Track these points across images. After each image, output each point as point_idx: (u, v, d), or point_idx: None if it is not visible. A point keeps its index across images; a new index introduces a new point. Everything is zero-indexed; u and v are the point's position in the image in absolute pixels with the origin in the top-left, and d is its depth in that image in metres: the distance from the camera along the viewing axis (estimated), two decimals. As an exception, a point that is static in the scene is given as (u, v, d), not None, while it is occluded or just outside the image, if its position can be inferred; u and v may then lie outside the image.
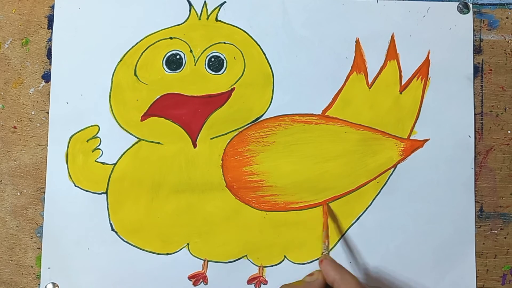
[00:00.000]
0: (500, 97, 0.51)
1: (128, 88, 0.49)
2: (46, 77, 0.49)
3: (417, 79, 0.50)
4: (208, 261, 0.48)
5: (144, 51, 0.50)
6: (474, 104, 0.50)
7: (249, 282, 0.48)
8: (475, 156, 0.50)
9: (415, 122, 0.50)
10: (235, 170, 0.49)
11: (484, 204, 0.50)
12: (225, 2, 0.50)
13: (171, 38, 0.50)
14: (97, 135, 0.49)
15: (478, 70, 0.51)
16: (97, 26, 0.50)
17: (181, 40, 0.50)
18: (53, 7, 0.50)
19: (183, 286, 0.48)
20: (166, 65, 0.49)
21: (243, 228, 0.49)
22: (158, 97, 0.49)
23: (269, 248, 0.49)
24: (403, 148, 0.50)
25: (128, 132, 0.49)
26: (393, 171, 0.49)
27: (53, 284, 0.48)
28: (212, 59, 0.50)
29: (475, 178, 0.50)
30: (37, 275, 0.48)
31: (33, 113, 0.49)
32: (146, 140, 0.49)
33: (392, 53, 0.50)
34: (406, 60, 0.50)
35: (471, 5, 0.51)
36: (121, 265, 0.48)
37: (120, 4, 0.50)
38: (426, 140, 0.50)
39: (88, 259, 0.48)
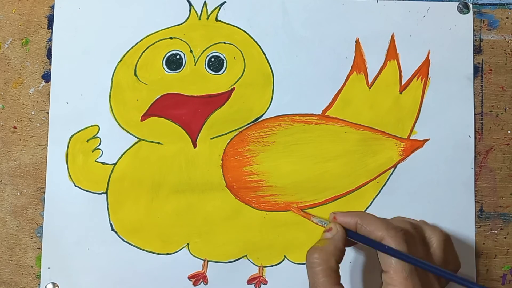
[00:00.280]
0: (500, 97, 0.51)
1: (128, 88, 0.49)
2: (46, 77, 0.49)
3: (417, 79, 0.50)
4: (208, 261, 0.48)
5: (144, 51, 0.50)
6: (474, 104, 0.50)
7: (249, 282, 0.48)
8: (475, 156, 0.50)
9: (415, 122, 0.50)
10: (235, 170, 0.49)
11: (484, 204, 0.50)
12: (225, 2, 0.50)
13: (171, 38, 0.50)
14: (97, 135, 0.49)
15: (478, 70, 0.51)
16: (97, 26, 0.50)
17: (181, 40, 0.50)
18: (53, 7, 0.50)
19: (183, 286, 0.48)
20: (166, 65, 0.49)
21: (243, 228, 0.49)
22: (158, 97, 0.49)
23: (269, 248, 0.49)
24: (403, 148, 0.50)
25: (128, 132, 0.49)
26: (393, 171, 0.50)
27: (53, 284, 0.48)
28: (212, 59, 0.50)
29: (475, 178, 0.50)
30: (37, 275, 0.48)
31: (33, 113, 0.49)
32: (146, 140, 0.49)
33: (392, 53, 0.50)
34: (406, 60, 0.50)
35: (471, 5, 0.51)
36: (121, 265, 0.48)
37: (120, 4, 0.50)
38: (426, 140, 0.50)
39: (88, 259, 0.48)
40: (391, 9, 0.51)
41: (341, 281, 0.39)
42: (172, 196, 0.49)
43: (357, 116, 0.50)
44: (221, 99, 0.49)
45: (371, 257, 0.48)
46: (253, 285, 0.48)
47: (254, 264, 0.49)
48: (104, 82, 0.49)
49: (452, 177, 0.49)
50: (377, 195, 0.49)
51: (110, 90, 0.49)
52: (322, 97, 0.50)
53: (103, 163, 0.49)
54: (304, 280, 0.48)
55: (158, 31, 0.50)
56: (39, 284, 0.48)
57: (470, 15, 0.51)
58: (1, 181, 0.49)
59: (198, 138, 0.49)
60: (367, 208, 0.49)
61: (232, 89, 0.50)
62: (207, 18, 0.50)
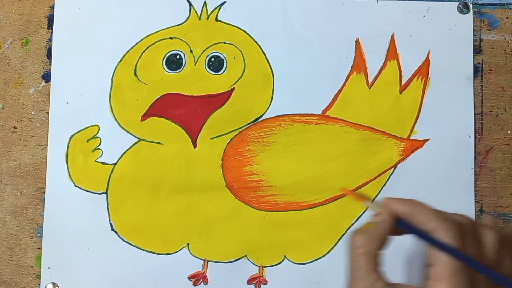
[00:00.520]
0: (500, 97, 0.51)
1: (128, 88, 0.49)
2: (46, 77, 0.49)
3: (417, 79, 0.50)
4: (208, 261, 0.48)
5: (144, 51, 0.50)
6: (474, 104, 0.50)
7: (249, 282, 0.48)
8: (475, 156, 0.50)
9: (415, 122, 0.50)
10: (235, 170, 0.49)
11: (484, 204, 0.50)
12: (225, 2, 0.50)
13: (171, 38, 0.50)
14: (97, 135, 0.49)
15: (478, 70, 0.51)
16: (97, 26, 0.50)
17: (181, 40, 0.50)
18: (53, 7, 0.50)
19: (183, 286, 0.48)
20: (166, 65, 0.49)
21: (243, 228, 0.49)
22: (158, 97, 0.49)
23: (269, 248, 0.49)
24: (403, 148, 0.50)
25: (128, 132, 0.49)
26: (393, 171, 0.49)
27: (53, 284, 0.48)
28: (212, 59, 0.50)
29: (475, 178, 0.50)
30: (37, 275, 0.48)
31: (33, 113, 0.49)
32: (146, 140, 0.49)
33: (392, 53, 0.50)
34: (406, 60, 0.50)
35: (471, 5, 0.51)
36: (121, 265, 0.48)
37: (120, 4, 0.50)
38: (426, 140, 0.50)
39: (88, 259, 0.48)
40: (391, 9, 0.51)
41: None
42: (172, 196, 0.48)
43: (357, 116, 0.50)
44: (221, 99, 0.49)
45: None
46: (253, 285, 0.48)
47: (254, 264, 0.49)
48: (104, 82, 0.49)
49: (452, 177, 0.49)
50: (377, 195, 0.49)
51: (110, 90, 0.49)
52: (322, 97, 0.50)
53: (103, 163, 0.49)
54: (304, 280, 0.48)
55: (158, 31, 0.50)
56: (39, 284, 0.48)
57: (470, 15, 0.51)
58: (1, 181, 0.49)
59: (198, 138, 0.49)
60: (367, 208, 0.49)
61: (232, 89, 0.50)
62: (207, 18, 0.50)
